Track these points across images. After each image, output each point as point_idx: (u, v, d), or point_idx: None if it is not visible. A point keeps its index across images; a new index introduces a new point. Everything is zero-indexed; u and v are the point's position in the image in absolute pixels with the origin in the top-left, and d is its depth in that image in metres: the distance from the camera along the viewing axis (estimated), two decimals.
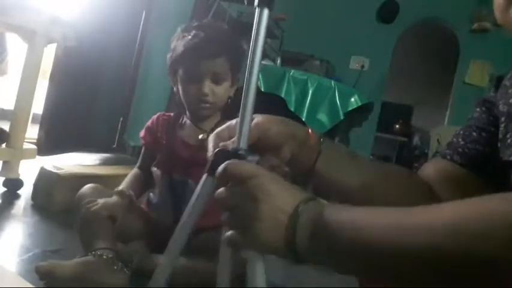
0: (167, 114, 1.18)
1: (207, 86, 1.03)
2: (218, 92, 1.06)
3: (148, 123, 1.18)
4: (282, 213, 0.42)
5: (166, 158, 1.09)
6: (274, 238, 0.42)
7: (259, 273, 0.46)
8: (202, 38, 1.02)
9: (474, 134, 0.62)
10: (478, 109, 0.65)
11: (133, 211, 1.06)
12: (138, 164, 1.18)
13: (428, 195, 0.59)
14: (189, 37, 1.03)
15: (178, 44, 1.06)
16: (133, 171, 1.15)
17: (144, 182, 1.13)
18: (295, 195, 0.44)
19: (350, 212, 0.41)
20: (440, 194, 0.59)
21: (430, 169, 0.64)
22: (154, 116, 1.19)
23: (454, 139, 0.64)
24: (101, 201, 0.96)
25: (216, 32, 1.07)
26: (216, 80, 1.05)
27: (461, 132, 0.64)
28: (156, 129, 1.15)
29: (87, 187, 1.05)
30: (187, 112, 1.13)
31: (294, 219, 0.41)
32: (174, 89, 1.14)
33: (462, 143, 0.62)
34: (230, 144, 0.50)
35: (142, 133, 1.18)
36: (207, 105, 1.05)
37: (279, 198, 0.43)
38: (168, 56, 1.11)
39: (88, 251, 0.88)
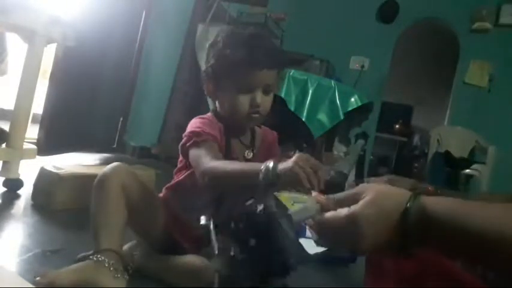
0: (205, 116, 1.08)
1: (260, 97, 1.01)
2: (267, 102, 1.04)
3: (201, 122, 1.03)
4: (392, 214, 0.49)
5: None
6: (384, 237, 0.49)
7: None
8: (259, 49, 0.99)
9: None
10: None
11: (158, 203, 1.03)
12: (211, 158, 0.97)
13: None
14: (243, 47, 0.99)
15: (228, 52, 1.00)
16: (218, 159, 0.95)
17: None
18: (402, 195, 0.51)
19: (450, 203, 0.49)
20: None
21: None
22: (201, 118, 1.06)
23: None
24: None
25: (269, 43, 1.06)
26: (266, 91, 1.03)
27: None
28: (216, 128, 1.03)
29: (111, 167, 0.95)
30: (224, 123, 1.05)
31: (405, 217, 0.48)
32: (210, 96, 1.08)
33: None
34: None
35: (202, 126, 1.01)
36: (257, 115, 1.02)
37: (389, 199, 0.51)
38: (212, 62, 1.03)
39: (94, 247, 0.87)
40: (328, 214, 0.53)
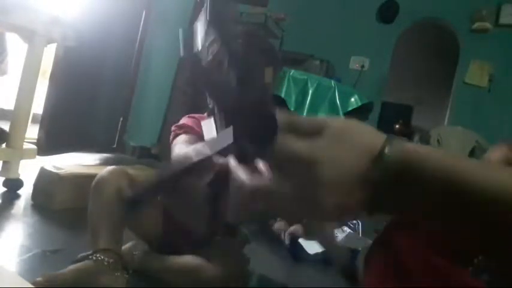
0: (196, 115, 1.10)
1: None
2: None
3: (188, 119, 1.07)
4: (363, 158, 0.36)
5: None
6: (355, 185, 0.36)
7: None
8: (255, 47, 1.01)
9: None
10: None
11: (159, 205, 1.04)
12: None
13: None
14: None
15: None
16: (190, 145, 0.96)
17: None
18: (376, 137, 0.38)
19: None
20: None
21: (494, 156, 0.66)
22: (189, 117, 1.09)
23: None
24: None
25: (263, 42, 1.08)
26: None
27: None
28: (199, 126, 1.04)
29: (108, 171, 0.96)
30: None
31: (380, 165, 0.36)
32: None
33: None
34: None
35: (186, 122, 1.04)
36: None
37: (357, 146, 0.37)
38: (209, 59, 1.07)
39: (91, 248, 0.87)
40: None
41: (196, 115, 1.09)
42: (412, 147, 0.37)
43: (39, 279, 0.80)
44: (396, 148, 0.36)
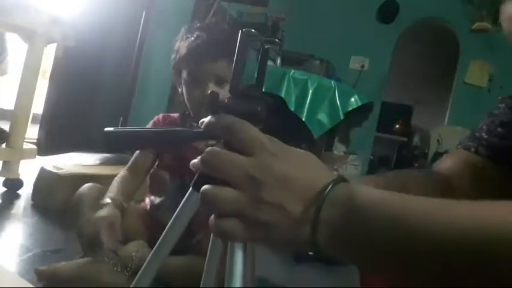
0: (171, 115, 1.15)
1: (210, 89, 1.00)
2: (222, 94, 1.04)
3: (152, 124, 1.14)
4: (302, 201, 0.33)
5: (176, 161, 1.06)
6: (295, 234, 0.33)
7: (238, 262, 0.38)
8: (204, 40, 1.01)
9: (499, 129, 0.63)
10: (502, 105, 0.66)
11: (132, 213, 1.06)
12: (128, 166, 1.09)
13: (447, 191, 0.59)
14: (192, 39, 1.02)
15: (181, 45, 1.05)
16: (122, 174, 1.07)
17: (133, 186, 1.07)
18: (320, 177, 0.35)
19: (384, 195, 0.34)
20: (461, 186, 0.60)
21: (450, 161, 0.65)
22: (159, 117, 1.14)
23: (477, 133, 0.65)
24: (99, 214, 0.91)
25: (217, 34, 1.05)
26: (220, 83, 1.02)
27: (485, 127, 0.65)
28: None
29: (86, 186, 1.04)
30: (191, 114, 1.11)
31: (318, 205, 0.33)
32: (179, 90, 1.12)
33: (486, 136, 0.63)
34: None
35: None
36: None
37: (299, 181, 0.34)
38: (172, 57, 1.09)
39: (88, 253, 0.88)
40: None
41: (171, 115, 1.13)
42: (360, 192, 0.33)
43: (43, 268, 0.81)
44: (341, 189, 0.33)
